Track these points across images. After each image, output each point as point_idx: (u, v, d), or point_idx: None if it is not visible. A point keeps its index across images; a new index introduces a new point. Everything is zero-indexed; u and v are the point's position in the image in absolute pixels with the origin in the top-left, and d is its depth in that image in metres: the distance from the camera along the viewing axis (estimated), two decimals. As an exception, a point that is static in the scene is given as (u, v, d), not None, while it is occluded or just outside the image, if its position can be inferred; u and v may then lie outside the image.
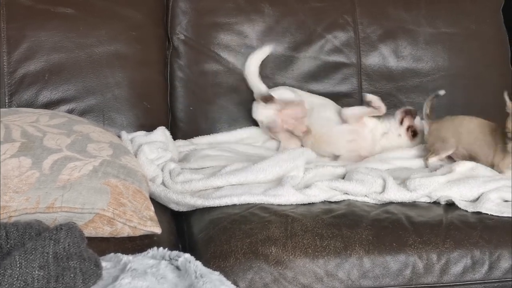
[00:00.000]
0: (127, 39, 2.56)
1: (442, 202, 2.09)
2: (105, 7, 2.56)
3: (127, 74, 2.55)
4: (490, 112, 2.78)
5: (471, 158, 2.27)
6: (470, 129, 2.34)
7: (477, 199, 2.08)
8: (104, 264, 1.59)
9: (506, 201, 2.07)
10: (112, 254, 1.66)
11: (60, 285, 1.44)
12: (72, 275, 1.47)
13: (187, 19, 2.65)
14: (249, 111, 2.60)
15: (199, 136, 2.57)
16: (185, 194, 2.09)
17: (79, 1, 2.54)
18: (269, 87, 2.63)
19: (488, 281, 1.90)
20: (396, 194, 2.07)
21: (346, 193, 2.11)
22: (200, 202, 2.06)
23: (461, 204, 2.05)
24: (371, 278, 1.86)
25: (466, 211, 2.03)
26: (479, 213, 2.02)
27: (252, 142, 2.57)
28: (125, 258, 1.62)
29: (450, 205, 2.07)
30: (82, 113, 2.47)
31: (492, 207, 2.02)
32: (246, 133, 2.60)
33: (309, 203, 2.07)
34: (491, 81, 2.81)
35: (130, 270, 1.55)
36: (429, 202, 2.10)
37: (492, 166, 2.24)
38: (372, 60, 2.71)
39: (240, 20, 2.67)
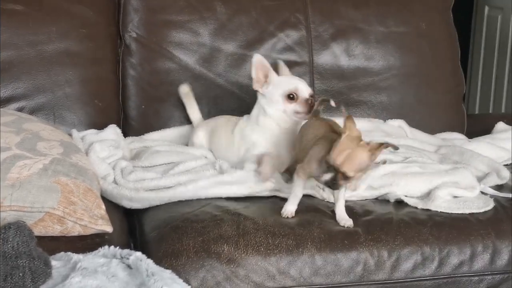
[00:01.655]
0: (78, 37, 2.54)
1: (392, 200, 2.11)
2: (55, 4, 2.53)
3: (78, 72, 2.52)
4: (440, 110, 2.83)
5: None
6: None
7: (426, 195, 2.10)
8: (54, 263, 1.58)
9: (455, 197, 2.10)
10: (62, 253, 1.66)
11: (9, 284, 1.42)
12: (21, 274, 1.45)
13: (139, 16, 2.63)
14: (201, 108, 2.60)
15: (150, 132, 2.56)
16: (138, 190, 2.08)
17: (29, -3, 2.51)
18: (222, 84, 2.63)
19: (438, 277, 1.93)
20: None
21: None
22: (154, 194, 2.05)
23: (410, 201, 2.08)
24: (323, 275, 1.87)
25: (416, 208, 2.06)
26: (428, 209, 2.05)
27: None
28: (75, 257, 1.61)
29: (400, 203, 2.10)
30: (32, 111, 2.44)
31: (441, 204, 2.05)
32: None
33: (262, 202, 2.08)
34: (441, 79, 2.84)
35: (80, 269, 1.54)
36: (378, 199, 2.12)
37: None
38: (324, 58, 2.73)
39: (192, 18, 2.66)
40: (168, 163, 2.24)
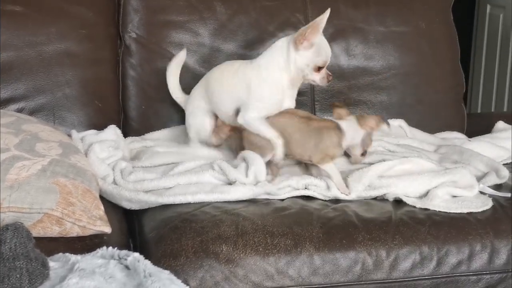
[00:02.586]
0: (77, 37, 2.54)
1: (390, 199, 2.11)
2: (54, 4, 2.54)
3: (78, 73, 2.53)
4: (440, 109, 2.83)
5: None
6: (284, 126, 2.18)
7: (425, 195, 2.10)
8: (52, 264, 1.58)
9: (454, 196, 2.10)
10: (60, 254, 1.66)
11: (6, 286, 1.43)
12: (18, 276, 1.46)
13: (139, 17, 2.63)
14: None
15: (151, 132, 2.56)
16: (138, 191, 2.08)
17: (28, -2, 2.52)
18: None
19: (436, 276, 1.93)
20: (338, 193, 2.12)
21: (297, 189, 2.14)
22: (154, 199, 2.06)
23: (409, 200, 2.08)
24: (321, 275, 1.88)
25: (414, 207, 2.06)
26: (427, 209, 2.05)
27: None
28: (73, 258, 1.62)
29: (399, 202, 2.10)
30: (32, 112, 2.44)
31: (440, 203, 2.05)
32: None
33: (261, 203, 2.08)
34: (441, 79, 2.84)
35: (78, 270, 1.54)
36: (376, 198, 2.13)
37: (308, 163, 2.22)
38: (324, 58, 2.72)
39: (192, 18, 2.66)
40: (168, 164, 2.24)
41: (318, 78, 2.22)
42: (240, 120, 2.20)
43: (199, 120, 2.36)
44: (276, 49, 2.24)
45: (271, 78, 2.21)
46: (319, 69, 2.20)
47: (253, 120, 2.18)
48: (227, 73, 2.31)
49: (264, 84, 2.21)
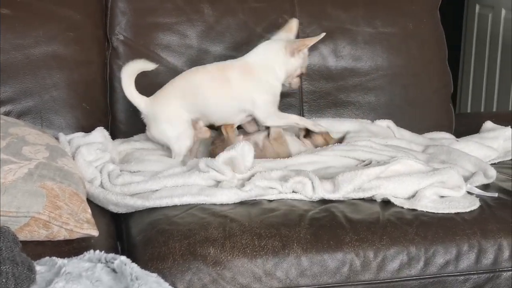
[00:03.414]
0: (65, 40, 2.54)
1: (378, 200, 2.11)
2: (42, 7, 2.53)
3: (65, 75, 2.52)
4: (428, 110, 2.84)
5: None
6: None
7: (413, 195, 2.10)
8: (38, 268, 1.57)
9: (442, 196, 2.10)
10: (47, 258, 1.65)
11: (-9, 290, 1.42)
12: (4, 280, 1.45)
13: (126, 19, 2.63)
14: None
15: (139, 134, 2.55)
16: (124, 195, 2.08)
17: (15, 1, 2.50)
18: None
19: (424, 277, 1.93)
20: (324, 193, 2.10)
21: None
22: (140, 203, 2.05)
23: (396, 201, 2.08)
24: (309, 276, 1.87)
25: (402, 207, 2.06)
26: (414, 209, 2.05)
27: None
28: (60, 261, 1.61)
29: (387, 202, 2.09)
30: (20, 115, 2.44)
31: (428, 203, 2.05)
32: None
33: (248, 204, 2.07)
34: (429, 79, 2.85)
35: (65, 273, 1.54)
36: (364, 199, 2.12)
37: None
38: (312, 59, 2.72)
39: (179, 20, 2.66)
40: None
41: (295, 82, 2.42)
42: (265, 124, 2.38)
43: (182, 131, 2.35)
44: (270, 54, 2.38)
45: (272, 89, 2.37)
46: (300, 74, 2.41)
47: (274, 120, 2.37)
48: (219, 85, 2.34)
49: (268, 96, 2.36)
